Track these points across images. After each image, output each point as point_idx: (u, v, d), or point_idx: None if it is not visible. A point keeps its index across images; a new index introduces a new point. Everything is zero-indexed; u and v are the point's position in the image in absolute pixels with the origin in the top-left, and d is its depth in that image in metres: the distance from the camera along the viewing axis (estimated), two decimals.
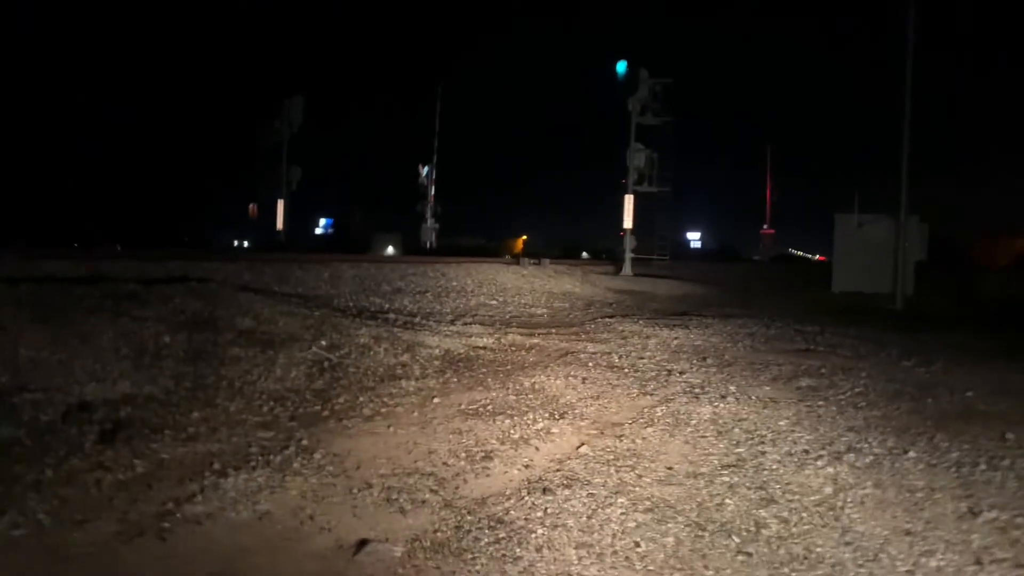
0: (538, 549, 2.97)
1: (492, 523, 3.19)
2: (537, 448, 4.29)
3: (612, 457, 4.15)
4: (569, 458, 4.11)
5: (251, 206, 27.01)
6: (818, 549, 3.02)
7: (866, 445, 4.48)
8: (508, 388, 5.72)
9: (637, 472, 3.91)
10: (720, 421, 4.97)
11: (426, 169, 37.26)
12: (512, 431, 4.58)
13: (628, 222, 22.03)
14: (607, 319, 10.66)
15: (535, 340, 8.06)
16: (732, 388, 6.00)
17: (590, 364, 6.83)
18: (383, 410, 4.97)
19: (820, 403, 5.61)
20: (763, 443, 4.48)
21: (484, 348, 7.36)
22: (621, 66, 22.27)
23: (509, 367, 6.57)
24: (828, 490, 3.70)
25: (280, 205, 25.34)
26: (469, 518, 3.25)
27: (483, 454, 4.11)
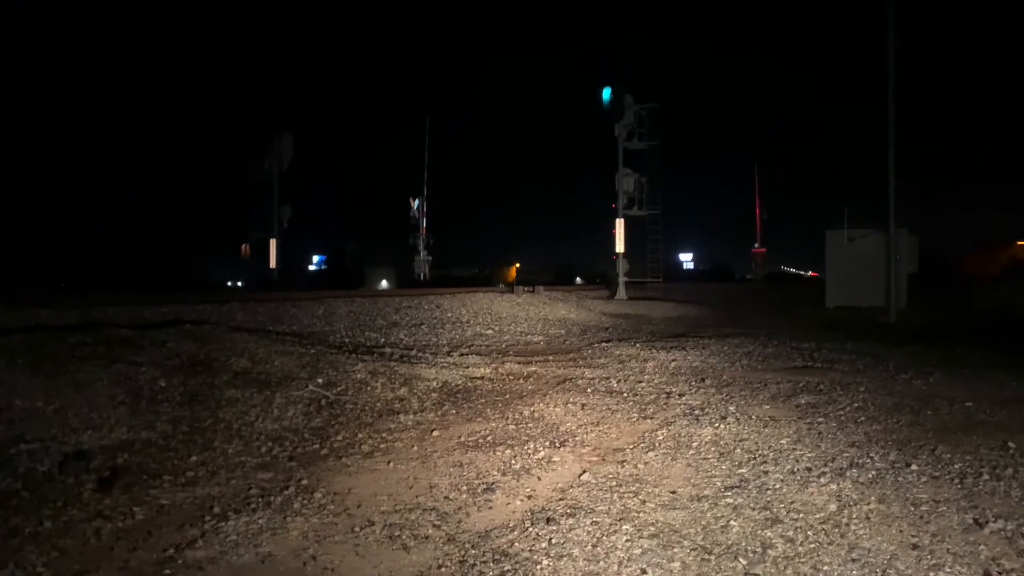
0: None
1: (496, 556, 3.16)
2: (539, 478, 4.27)
3: (615, 483, 4.12)
4: (572, 486, 4.09)
5: (243, 246, 27.05)
6: (825, 567, 3.00)
7: (868, 460, 4.47)
8: (507, 418, 5.70)
9: (641, 497, 3.88)
10: (721, 442, 4.95)
11: (417, 202, 37.60)
12: (513, 461, 4.55)
13: (620, 246, 22.12)
14: (604, 344, 10.66)
15: (533, 368, 8.04)
16: (732, 408, 5.99)
17: (589, 390, 6.81)
18: (382, 446, 4.94)
19: (820, 419, 5.60)
20: (765, 462, 4.46)
21: (482, 378, 7.34)
22: (606, 92, 22.48)
23: (508, 396, 6.55)
24: (832, 507, 3.68)
25: (272, 244, 25.43)
26: (473, 552, 3.21)
27: (485, 486, 4.08)
